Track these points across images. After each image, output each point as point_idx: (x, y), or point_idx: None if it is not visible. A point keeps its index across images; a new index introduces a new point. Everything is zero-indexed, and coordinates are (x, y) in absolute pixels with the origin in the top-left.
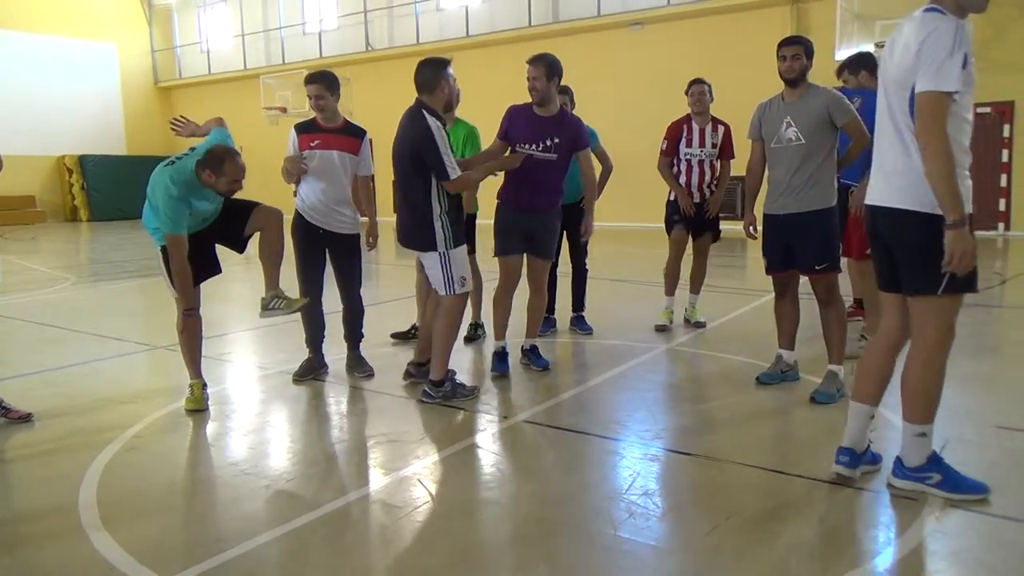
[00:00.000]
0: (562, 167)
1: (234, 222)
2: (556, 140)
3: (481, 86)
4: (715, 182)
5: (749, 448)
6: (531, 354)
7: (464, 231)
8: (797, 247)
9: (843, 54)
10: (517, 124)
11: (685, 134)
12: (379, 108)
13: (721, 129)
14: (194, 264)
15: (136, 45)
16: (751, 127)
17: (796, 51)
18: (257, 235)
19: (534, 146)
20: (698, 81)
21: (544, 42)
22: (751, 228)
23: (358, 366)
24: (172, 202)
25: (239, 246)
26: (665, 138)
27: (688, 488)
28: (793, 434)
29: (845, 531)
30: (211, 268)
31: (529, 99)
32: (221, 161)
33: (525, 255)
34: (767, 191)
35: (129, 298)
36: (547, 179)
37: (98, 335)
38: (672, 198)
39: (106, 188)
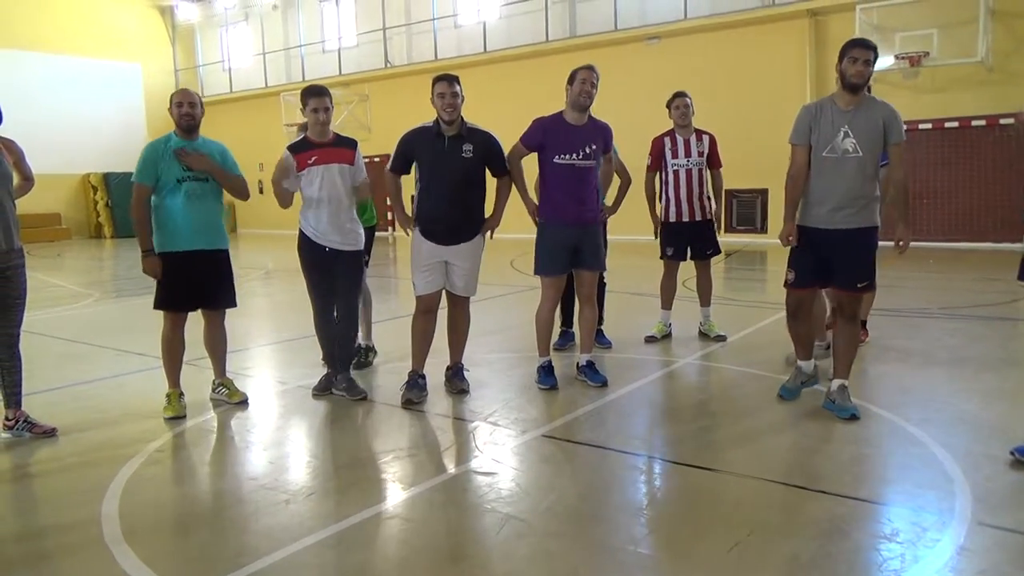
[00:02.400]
0: (597, 173)
1: (212, 290)
2: (594, 147)
3: (499, 101)
4: (709, 194)
5: (770, 463)
6: (587, 370)
7: (426, 228)
8: (839, 264)
9: None
10: (554, 136)
11: (669, 146)
12: (397, 124)
13: (706, 138)
14: (186, 291)
15: (160, 64)
16: (798, 131)
17: (869, 55)
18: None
19: (574, 155)
20: (681, 94)
21: (561, 57)
22: (790, 238)
23: (350, 389)
24: (143, 153)
25: (200, 301)
26: (649, 154)
27: (709, 503)
28: (814, 449)
29: (870, 548)
30: (199, 300)
31: (545, 111)
32: (172, 96)
33: (574, 268)
34: (807, 202)
35: (151, 314)
36: (589, 188)
37: (121, 350)
38: (663, 219)
39: (129, 205)
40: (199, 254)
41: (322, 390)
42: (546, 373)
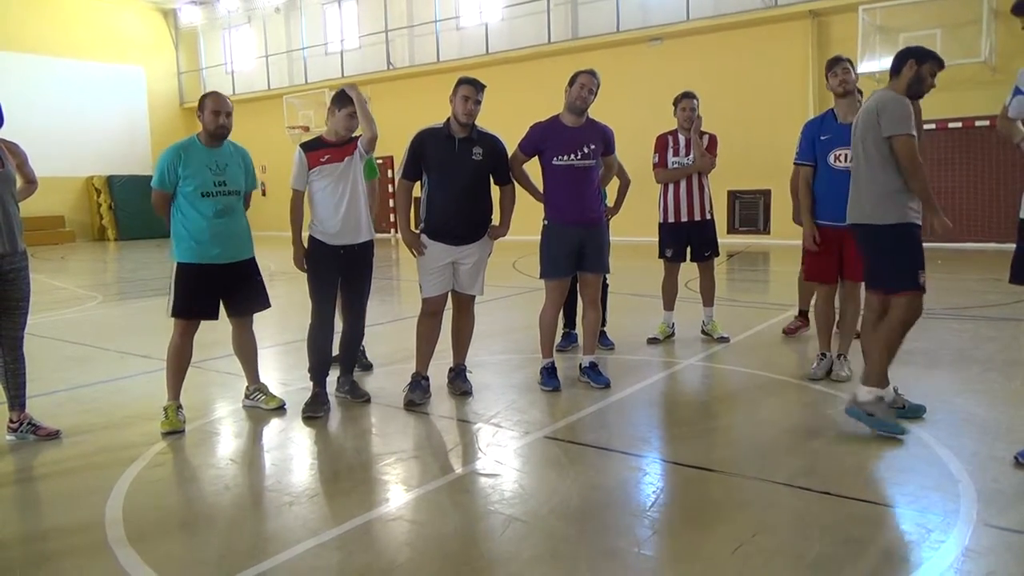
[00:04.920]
0: (598, 173)
1: (240, 298)
2: (592, 146)
3: (501, 102)
4: (709, 200)
5: (774, 464)
6: (590, 371)
7: (435, 231)
8: None
9: (866, 67)
10: (551, 139)
11: (671, 144)
12: (400, 125)
13: (707, 138)
14: (205, 301)
15: (163, 67)
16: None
17: None
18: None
19: (572, 156)
20: (689, 96)
21: (563, 58)
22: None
23: (353, 391)
24: (161, 159)
25: (227, 309)
26: (656, 151)
27: (713, 505)
28: (819, 450)
29: (874, 550)
30: (226, 308)
31: (547, 113)
32: (204, 98)
33: (578, 271)
34: (910, 198)
35: (155, 316)
36: (590, 188)
37: (125, 353)
38: (662, 221)
39: (133, 208)
40: (223, 266)
41: (316, 411)
42: (549, 375)
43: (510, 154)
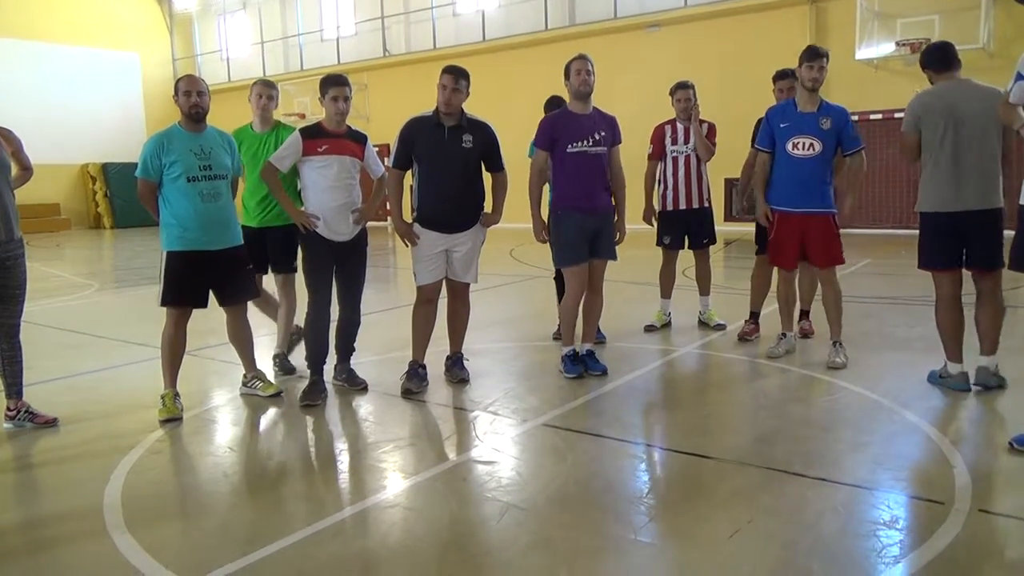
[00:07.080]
0: (607, 161)
1: (230, 287)
2: (602, 133)
3: (498, 89)
4: (708, 188)
5: (770, 450)
6: (587, 359)
7: (427, 219)
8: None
9: (864, 53)
10: (562, 128)
11: (670, 133)
12: (396, 112)
13: (705, 126)
14: (195, 289)
15: (158, 54)
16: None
17: None
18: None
19: (585, 142)
20: (684, 86)
21: (561, 45)
22: None
23: (350, 379)
24: (144, 147)
25: (218, 298)
26: (651, 142)
27: (709, 491)
28: (814, 436)
29: (870, 535)
30: (215, 296)
31: (543, 99)
32: (178, 81)
33: (589, 257)
34: (941, 186)
35: (151, 304)
36: (601, 175)
37: (121, 340)
38: (661, 208)
39: (128, 195)
40: (212, 253)
41: (314, 399)
42: (572, 362)
43: (500, 140)
